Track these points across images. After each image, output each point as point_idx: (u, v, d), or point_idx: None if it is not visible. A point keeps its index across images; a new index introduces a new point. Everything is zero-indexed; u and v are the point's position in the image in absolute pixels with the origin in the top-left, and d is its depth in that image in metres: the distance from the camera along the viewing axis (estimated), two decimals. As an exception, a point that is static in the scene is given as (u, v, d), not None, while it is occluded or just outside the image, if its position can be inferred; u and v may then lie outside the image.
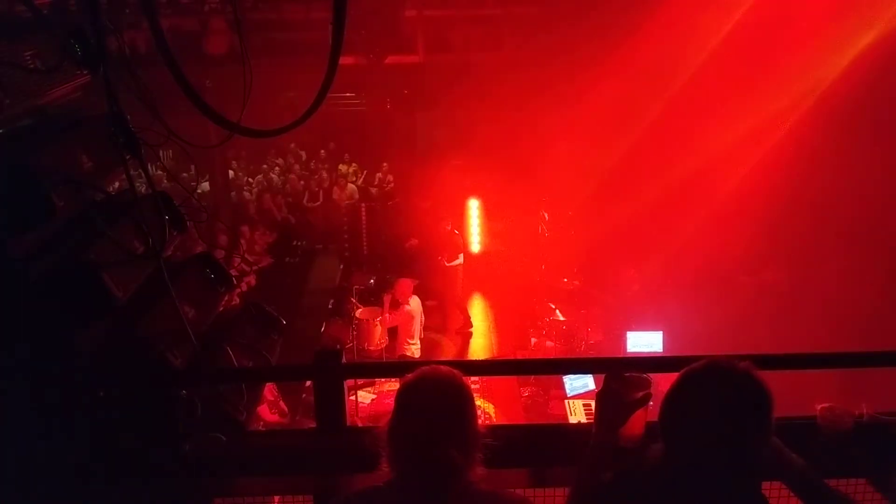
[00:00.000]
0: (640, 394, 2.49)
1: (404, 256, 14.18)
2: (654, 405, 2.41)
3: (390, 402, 2.38)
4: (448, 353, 12.17)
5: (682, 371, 2.18)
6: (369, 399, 10.69)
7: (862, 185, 10.00)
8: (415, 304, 10.86)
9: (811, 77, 11.04)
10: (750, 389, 2.08)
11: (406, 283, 10.87)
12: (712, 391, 2.10)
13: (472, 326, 13.03)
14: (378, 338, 11.40)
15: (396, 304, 10.79)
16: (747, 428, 2.06)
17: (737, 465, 2.06)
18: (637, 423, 2.48)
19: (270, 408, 9.24)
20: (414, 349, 10.86)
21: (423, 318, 11.22)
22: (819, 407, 2.82)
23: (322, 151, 19.32)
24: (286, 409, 9.59)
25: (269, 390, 9.25)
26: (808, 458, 2.75)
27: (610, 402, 2.49)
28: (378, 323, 11.32)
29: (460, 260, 13.15)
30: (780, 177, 10.68)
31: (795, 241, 10.44)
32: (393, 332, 11.28)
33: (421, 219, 14.39)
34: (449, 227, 13.23)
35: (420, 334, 11.09)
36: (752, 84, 11.58)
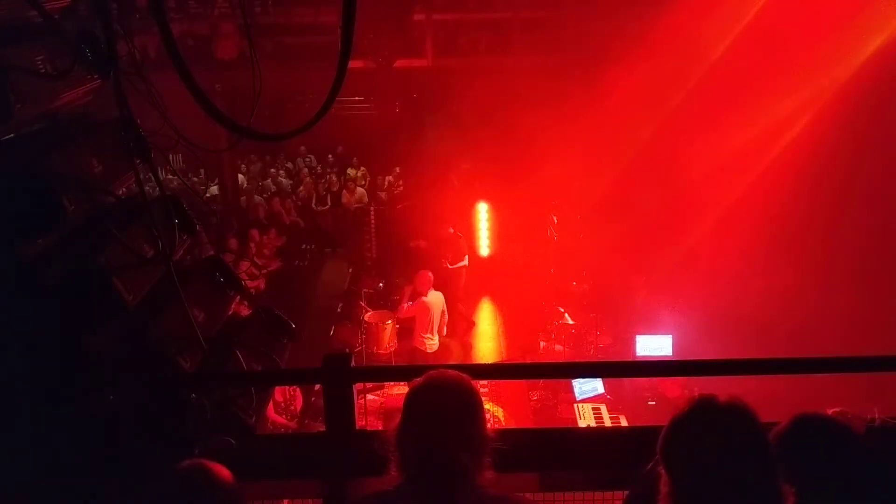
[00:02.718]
0: None
1: (409, 257, 14.18)
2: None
3: (399, 401, 2.38)
4: (456, 355, 12.16)
5: (669, 422, 2.17)
6: (378, 403, 10.72)
7: (876, 187, 9.93)
8: (434, 297, 10.78)
9: (823, 78, 10.98)
10: (738, 425, 2.08)
11: (425, 276, 10.83)
12: (701, 438, 2.09)
13: (473, 329, 13.01)
14: (387, 341, 11.41)
15: (415, 296, 10.78)
16: (747, 463, 2.04)
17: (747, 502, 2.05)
18: None
19: (277, 410, 9.27)
20: (429, 343, 10.79)
21: (447, 316, 11.14)
22: (831, 411, 2.79)
23: (330, 156, 19.38)
24: (297, 411, 9.60)
25: (280, 391, 9.28)
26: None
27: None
28: (388, 325, 11.30)
29: (465, 262, 13.12)
30: (791, 179, 10.63)
31: (806, 244, 10.39)
32: (403, 334, 11.29)
33: (430, 222, 14.40)
34: (452, 231, 13.20)
35: (442, 331, 11.05)
36: (762, 86, 11.54)
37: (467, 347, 12.65)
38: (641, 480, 2.44)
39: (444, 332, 11.23)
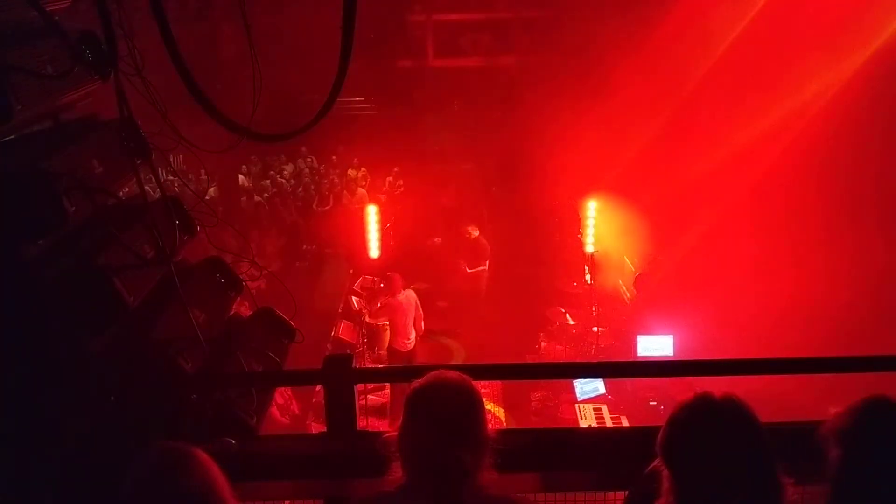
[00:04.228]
0: None
1: (424, 256, 14.13)
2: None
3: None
4: (458, 356, 12.15)
5: (667, 419, 2.22)
6: (379, 403, 10.72)
7: (879, 189, 9.91)
8: (405, 297, 10.77)
9: (824, 78, 10.95)
10: (734, 420, 2.14)
11: (395, 278, 10.85)
12: (699, 434, 2.15)
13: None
14: (388, 342, 11.41)
15: (387, 299, 10.80)
16: (744, 457, 2.09)
17: (747, 494, 2.07)
18: None
19: (281, 411, 9.26)
20: (406, 343, 10.77)
21: (422, 313, 11.12)
22: (832, 411, 2.79)
23: (334, 157, 19.36)
24: (298, 411, 9.60)
25: (280, 393, 9.28)
26: (821, 463, 2.73)
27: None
28: (367, 318, 11.28)
29: (485, 266, 12.92)
30: (794, 178, 10.61)
31: (811, 242, 10.37)
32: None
33: (434, 222, 14.39)
34: (476, 234, 12.97)
35: (419, 327, 11.04)
36: (764, 86, 11.53)
37: (474, 349, 12.61)
38: (642, 480, 2.45)
39: (422, 328, 11.17)
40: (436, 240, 14.64)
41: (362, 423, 3.05)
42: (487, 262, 13.00)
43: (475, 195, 15.14)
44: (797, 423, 2.90)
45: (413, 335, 10.85)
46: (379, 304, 10.98)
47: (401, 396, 2.65)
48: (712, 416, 2.15)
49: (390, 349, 10.95)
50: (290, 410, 9.52)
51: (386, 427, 9.13)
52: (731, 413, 2.14)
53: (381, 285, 13.26)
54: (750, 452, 2.09)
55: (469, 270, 12.80)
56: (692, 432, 2.15)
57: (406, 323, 10.71)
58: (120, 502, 1.99)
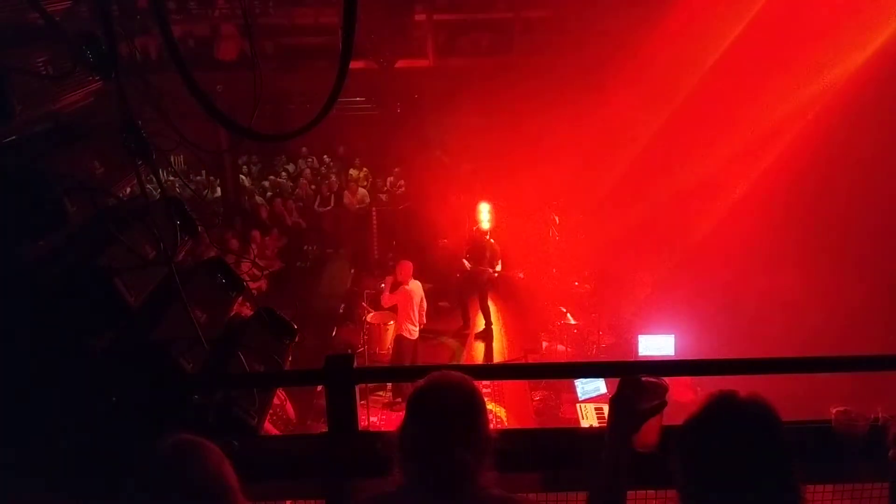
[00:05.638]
0: (656, 402, 2.44)
1: (434, 256, 14.14)
2: (667, 408, 2.40)
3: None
4: (459, 356, 12.16)
5: (689, 417, 2.14)
6: (381, 404, 10.74)
7: (883, 187, 9.88)
8: (414, 286, 11.03)
9: (828, 75, 10.93)
10: (759, 422, 2.07)
11: (406, 265, 11.07)
12: (721, 434, 2.08)
13: (471, 329, 12.98)
14: (389, 342, 11.44)
15: (397, 285, 10.96)
16: (766, 461, 2.03)
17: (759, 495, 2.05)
18: (651, 430, 2.43)
19: (272, 418, 9.19)
20: (413, 330, 10.99)
21: (425, 304, 11.28)
22: (834, 410, 2.79)
23: (327, 157, 19.37)
24: (293, 414, 9.57)
25: (275, 393, 9.22)
26: (823, 463, 2.73)
27: (623, 409, 2.43)
28: (390, 326, 11.34)
29: (498, 268, 12.90)
30: (794, 178, 10.60)
31: (811, 243, 10.36)
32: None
33: (437, 221, 14.39)
34: (488, 237, 12.91)
35: (422, 319, 11.21)
36: (764, 84, 11.51)
37: (475, 349, 12.64)
38: (604, 472, 2.42)
39: (424, 321, 11.31)
40: (444, 241, 14.68)
41: (363, 423, 3.04)
42: (500, 264, 12.98)
43: (476, 195, 15.11)
44: (796, 423, 2.90)
45: (418, 325, 11.09)
46: (387, 294, 11.09)
47: (401, 396, 2.66)
48: (735, 417, 2.07)
49: (398, 338, 11.11)
50: (285, 412, 9.48)
51: (387, 427, 9.15)
52: (754, 414, 2.07)
53: (382, 285, 13.33)
54: (770, 457, 2.02)
55: (468, 266, 12.81)
56: (713, 432, 2.08)
57: (414, 310, 10.94)
58: (132, 488, 1.98)
